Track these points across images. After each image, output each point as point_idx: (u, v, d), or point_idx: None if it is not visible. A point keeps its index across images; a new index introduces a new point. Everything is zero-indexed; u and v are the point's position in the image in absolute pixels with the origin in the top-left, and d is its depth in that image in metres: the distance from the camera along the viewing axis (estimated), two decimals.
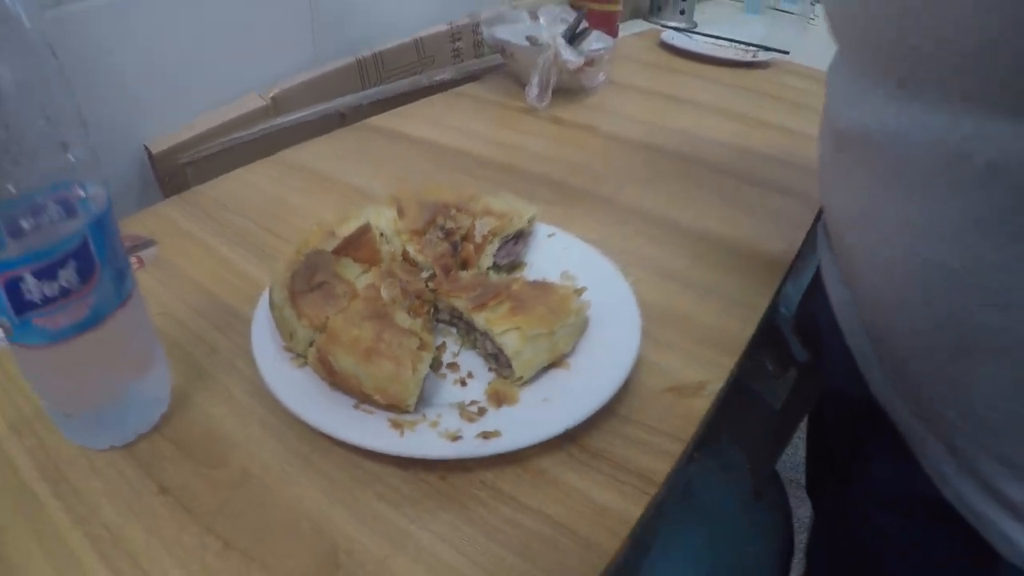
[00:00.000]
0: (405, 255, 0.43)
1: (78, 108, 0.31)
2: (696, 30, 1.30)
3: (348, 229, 0.42)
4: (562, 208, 0.59)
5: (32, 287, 0.30)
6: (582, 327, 0.39)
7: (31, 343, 0.32)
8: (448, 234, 0.43)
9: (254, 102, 0.78)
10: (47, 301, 0.31)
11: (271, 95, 0.79)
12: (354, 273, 0.40)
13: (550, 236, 0.48)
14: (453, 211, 0.45)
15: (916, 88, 0.31)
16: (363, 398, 0.35)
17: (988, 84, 0.27)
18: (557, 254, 0.46)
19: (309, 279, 0.38)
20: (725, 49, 1.16)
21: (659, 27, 1.39)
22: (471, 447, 0.33)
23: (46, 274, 0.30)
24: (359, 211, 0.45)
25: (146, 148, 0.72)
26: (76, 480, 0.35)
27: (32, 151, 0.29)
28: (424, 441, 0.33)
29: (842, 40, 0.38)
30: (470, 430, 0.34)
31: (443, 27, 0.95)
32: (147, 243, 0.54)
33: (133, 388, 0.36)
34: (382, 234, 0.44)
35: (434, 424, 0.34)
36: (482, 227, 0.44)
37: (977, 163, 0.28)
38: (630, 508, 0.32)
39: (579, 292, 0.40)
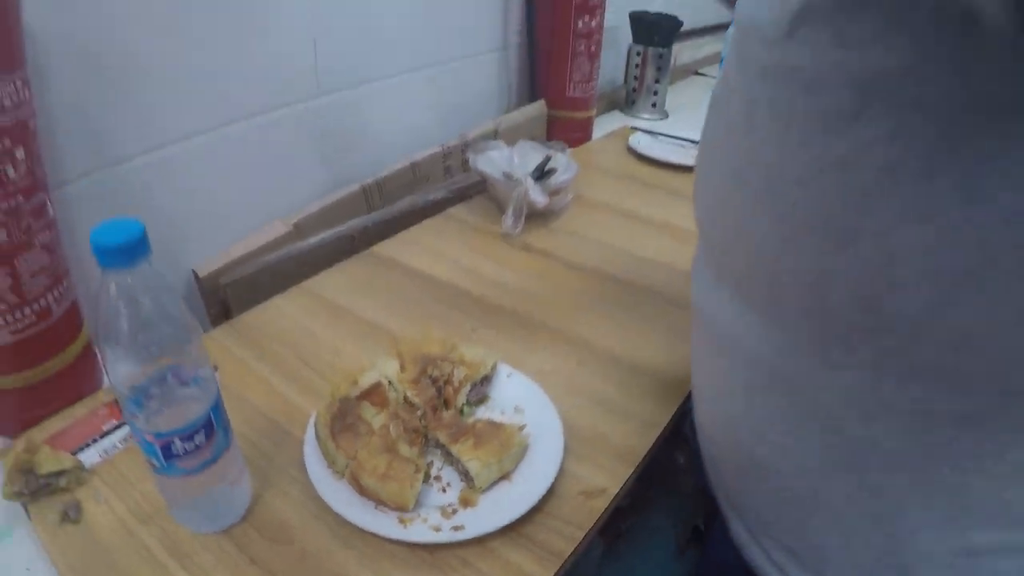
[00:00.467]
0: (406, 398, 0.68)
1: (192, 318, 0.55)
2: (663, 130, 1.55)
3: (367, 379, 0.67)
4: (522, 343, 0.83)
5: (178, 446, 0.55)
6: (522, 453, 0.64)
7: (171, 475, 0.56)
8: (434, 381, 0.68)
9: (279, 229, 1.03)
10: (186, 453, 0.55)
11: (293, 223, 1.04)
12: (371, 414, 0.65)
13: (508, 376, 0.73)
14: (438, 361, 0.70)
15: (721, 283, 0.55)
16: (380, 503, 0.59)
17: (755, 291, 0.49)
18: (512, 391, 0.71)
19: (342, 420, 0.63)
20: (687, 152, 1.41)
21: (633, 121, 1.65)
22: (447, 536, 0.57)
23: (186, 439, 0.55)
24: (374, 363, 0.70)
25: (193, 272, 0.97)
26: (194, 555, 0.59)
27: (163, 347, 0.53)
28: (419, 531, 0.57)
29: None
30: (447, 524, 0.58)
31: (436, 149, 1.21)
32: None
33: (230, 493, 0.60)
34: (390, 382, 0.68)
35: (424, 520, 0.59)
36: (458, 374, 0.69)
37: (745, 347, 0.52)
38: (545, 573, 0.57)
39: (521, 428, 0.64)
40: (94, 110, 0.80)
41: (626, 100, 1.76)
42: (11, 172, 0.63)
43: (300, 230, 1.04)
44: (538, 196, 1.01)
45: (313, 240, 1.04)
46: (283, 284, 0.98)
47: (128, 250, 0.48)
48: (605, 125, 1.63)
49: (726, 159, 0.49)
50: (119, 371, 0.52)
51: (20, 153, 0.64)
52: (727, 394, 0.55)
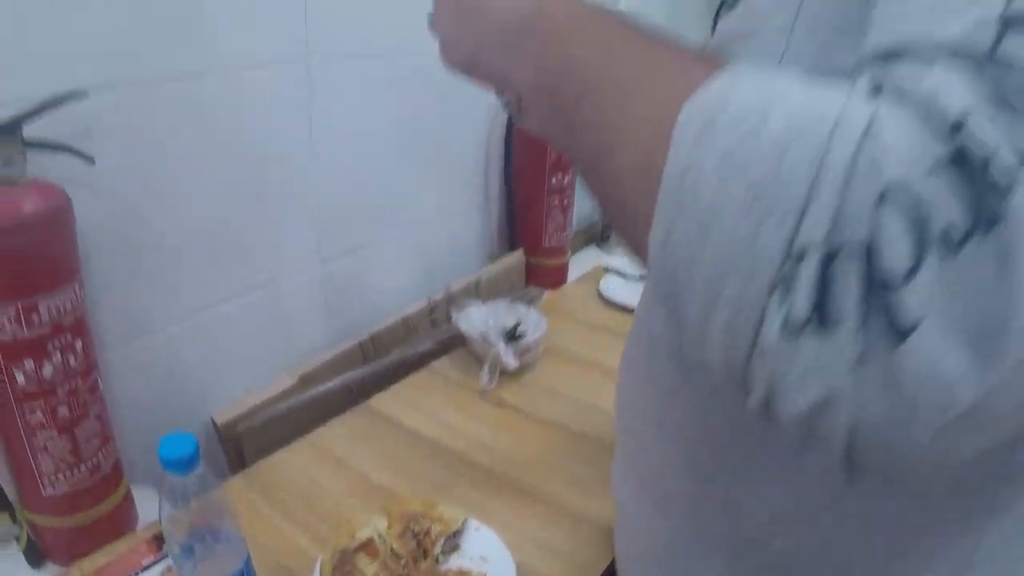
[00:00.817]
0: (392, 550, 0.89)
1: (224, 494, 0.77)
2: (633, 266, 1.79)
3: (362, 534, 0.89)
4: (493, 497, 1.05)
5: None
6: None
7: None
8: (415, 535, 0.90)
9: (286, 381, 1.25)
10: None
11: (298, 375, 1.26)
12: (365, 563, 0.86)
13: (477, 529, 0.95)
14: (419, 517, 0.92)
15: (629, 476, 0.75)
16: None
17: (649, 491, 0.69)
18: (479, 543, 0.93)
19: (342, 569, 0.84)
20: None
21: (608, 257, 1.90)
22: None
23: None
24: (369, 518, 0.92)
25: (212, 420, 1.19)
26: None
27: (202, 514, 0.75)
28: None
29: None
30: None
31: (423, 304, 1.45)
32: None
33: None
34: (380, 535, 0.90)
35: None
36: (435, 529, 0.91)
37: (643, 527, 0.72)
38: None
39: None
40: (130, 289, 1.03)
41: (601, 236, 2.01)
42: (72, 361, 0.86)
43: (304, 382, 1.27)
44: (509, 359, 1.24)
45: (316, 392, 1.26)
46: (291, 431, 1.20)
47: (185, 463, 0.71)
48: (582, 262, 1.87)
49: (634, 386, 0.71)
50: (171, 531, 0.74)
51: (79, 345, 0.86)
52: (633, 560, 0.77)
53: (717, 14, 0.70)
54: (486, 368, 1.26)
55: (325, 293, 1.32)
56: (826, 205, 0.30)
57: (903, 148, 0.29)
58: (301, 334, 1.31)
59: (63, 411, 0.86)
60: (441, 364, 1.38)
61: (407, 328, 1.41)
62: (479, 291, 1.55)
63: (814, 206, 0.30)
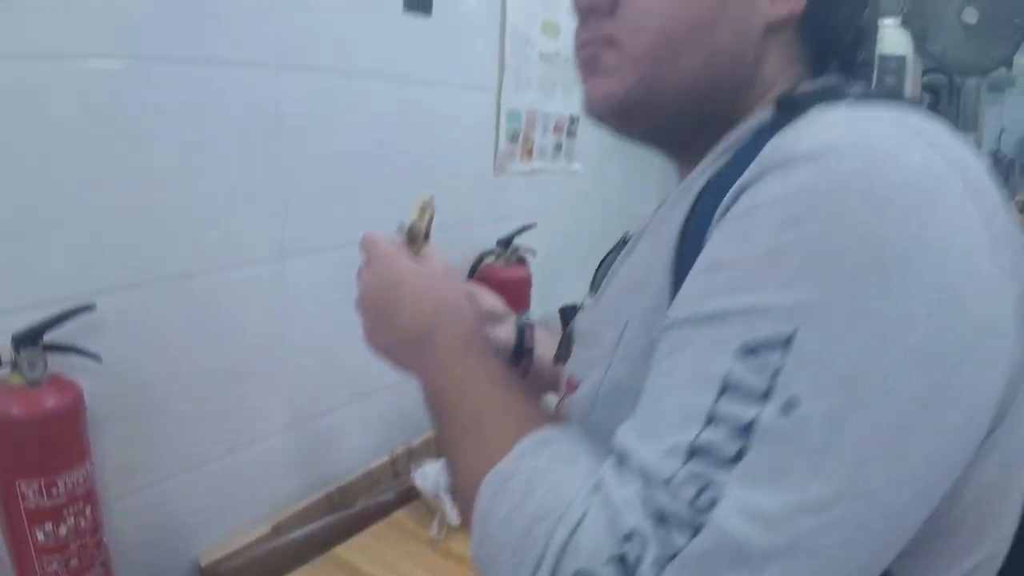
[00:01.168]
0: None
1: None
2: None
3: None
4: None
5: None
6: None
7: None
8: None
9: (261, 530, 1.45)
10: None
11: (271, 525, 1.46)
12: None
13: None
14: None
15: None
16: None
17: None
18: None
19: None
20: None
21: None
22: None
23: None
24: None
25: (198, 563, 1.37)
26: None
27: None
28: None
29: None
30: None
31: (385, 458, 1.66)
32: None
33: None
34: None
35: None
36: None
37: None
38: None
39: None
40: (128, 452, 1.22)
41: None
42: (83, 523, 1.06)
43: (277, 530, 1.46)
44: (453, 516, 1.45)
45: (288, 539, 1.46)
46: (267, 574, 1.38)
47: None
48: None
49: None
50: None
51: (88, 510, 1.07)
52: None
53: (593, 282, 0.87)
54: (435, 522, 1.47)
55: (297, 453, 1.53)
56: (546, 570, 0.46)
57: (592, 545, 0.45)
58: (275, 488, 1.51)
59: (74, 562, 1.06)
60: (398, 515, 1.58)
61: (370, 480, 1.62)
62: (438, 444, 1.76)
63: (540, 569, 0.47)
